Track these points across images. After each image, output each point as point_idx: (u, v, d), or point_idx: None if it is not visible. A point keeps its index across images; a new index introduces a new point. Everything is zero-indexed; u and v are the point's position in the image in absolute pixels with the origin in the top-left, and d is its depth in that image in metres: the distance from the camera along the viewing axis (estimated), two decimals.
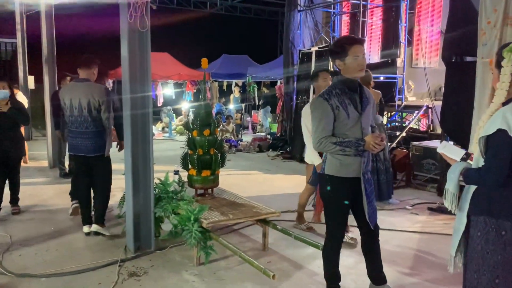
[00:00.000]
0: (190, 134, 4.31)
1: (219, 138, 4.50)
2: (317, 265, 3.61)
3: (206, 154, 4.24)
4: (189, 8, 17.16)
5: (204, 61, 4.27)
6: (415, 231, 4.66)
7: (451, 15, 6.17)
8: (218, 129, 11.47)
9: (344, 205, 2.88)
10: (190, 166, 4.32)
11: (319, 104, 2.80)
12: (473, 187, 2.07)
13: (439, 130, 7.75)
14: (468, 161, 2.17)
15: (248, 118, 15.46)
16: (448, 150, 2.25)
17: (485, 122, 2.01)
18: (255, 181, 7.29)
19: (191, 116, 12.18)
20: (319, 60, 8.57)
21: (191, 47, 17.26)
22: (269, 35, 19.46)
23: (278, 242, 4.21)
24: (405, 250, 4.09)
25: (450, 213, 5.54)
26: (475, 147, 2.06)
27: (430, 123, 8.71)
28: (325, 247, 3.01)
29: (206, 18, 18.66)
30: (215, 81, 15.51)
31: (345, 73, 2.81)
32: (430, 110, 8.52)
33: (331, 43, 9.11)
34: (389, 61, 9.27)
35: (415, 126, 8.57)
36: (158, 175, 4.26)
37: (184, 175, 4.47)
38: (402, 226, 4.82)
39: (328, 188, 2.86)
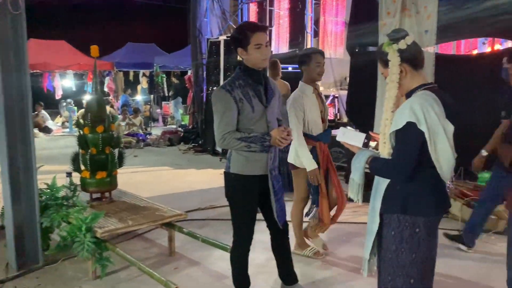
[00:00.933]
0: (81, 131, 3.82)
1: (116, 134, 4.05)
2: (227, 267, 3.39)
3: (101, 153, 3.78)
4: None
5: (94, 48, 3.77)
6: None
7: (354, 6, 6.30)
8: (124, 123, 10.77)
9: (251, 205, 2.70)
10: (82, 168, 3.84)
11: (222, 97, 2.55)
12: (382, 185, 1.98)
13: (345, 119, 7.97)
14: (372, 144, 2.07)
15: (158, 110, 14.79)
16: (348, 137, 2.13)
17: (388, 119, 1.93)
18: (165, 178, 6.90)
19: None
20: (228, 49, 8.34)
21: (92, 35, 16.01)
22: (178, 23, 18.71)
23: (185, 245, 3.91)
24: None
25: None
26: (383, 147, 1.95)
27: (336, 112, 8.96)
28: (233, 250, 2.80)
29: (110, 3, 17.47)
30: (120, 71, 14.56)
31: (248, 63, 2.59)
32: (336, 99, 8.76)
33: None
34: (297, 52, 9.34)
35: None
36: (49, 177, 3.75)
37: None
38: None
39: (234, 187, 2.65)
